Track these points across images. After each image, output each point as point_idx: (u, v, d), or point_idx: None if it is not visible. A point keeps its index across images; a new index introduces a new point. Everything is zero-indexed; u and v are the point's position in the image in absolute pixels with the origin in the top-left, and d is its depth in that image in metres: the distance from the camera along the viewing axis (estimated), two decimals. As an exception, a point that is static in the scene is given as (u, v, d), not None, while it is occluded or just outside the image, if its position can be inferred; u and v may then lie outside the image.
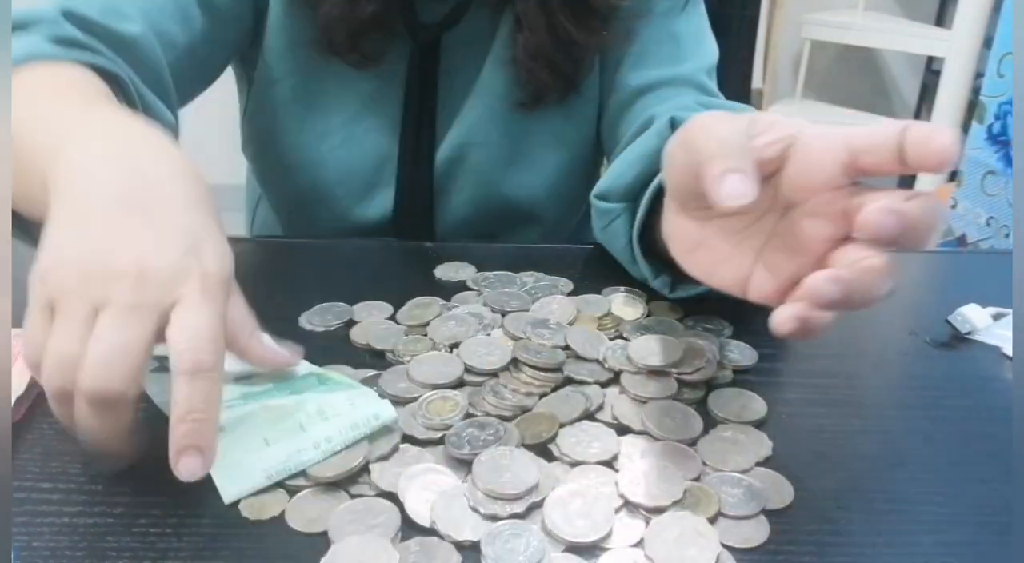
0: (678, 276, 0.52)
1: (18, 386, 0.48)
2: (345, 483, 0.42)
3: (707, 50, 0.76)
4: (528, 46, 0.71)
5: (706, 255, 0.43)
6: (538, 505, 0.40)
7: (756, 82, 2.47)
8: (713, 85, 0.74)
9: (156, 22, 0.64)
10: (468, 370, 0.50)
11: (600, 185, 0.62)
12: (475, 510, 0.40)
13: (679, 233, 0.44)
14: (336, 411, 0.44)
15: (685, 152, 0.39)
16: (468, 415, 0.47)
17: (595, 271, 0.64)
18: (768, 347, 0.55)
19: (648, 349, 0.52)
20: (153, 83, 0.61)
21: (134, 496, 0.41)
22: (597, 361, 0.52)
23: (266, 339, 0.45)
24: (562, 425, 0.45)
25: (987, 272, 0.69)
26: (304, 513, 0.40)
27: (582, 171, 0.81)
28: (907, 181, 2.67)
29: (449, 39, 0.75)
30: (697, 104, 0.66)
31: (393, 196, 0.78)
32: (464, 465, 0.43)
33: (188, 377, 0.36)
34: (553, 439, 0.45)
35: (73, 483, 0.42)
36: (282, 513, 0.40)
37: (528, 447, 0.44)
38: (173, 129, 0.64)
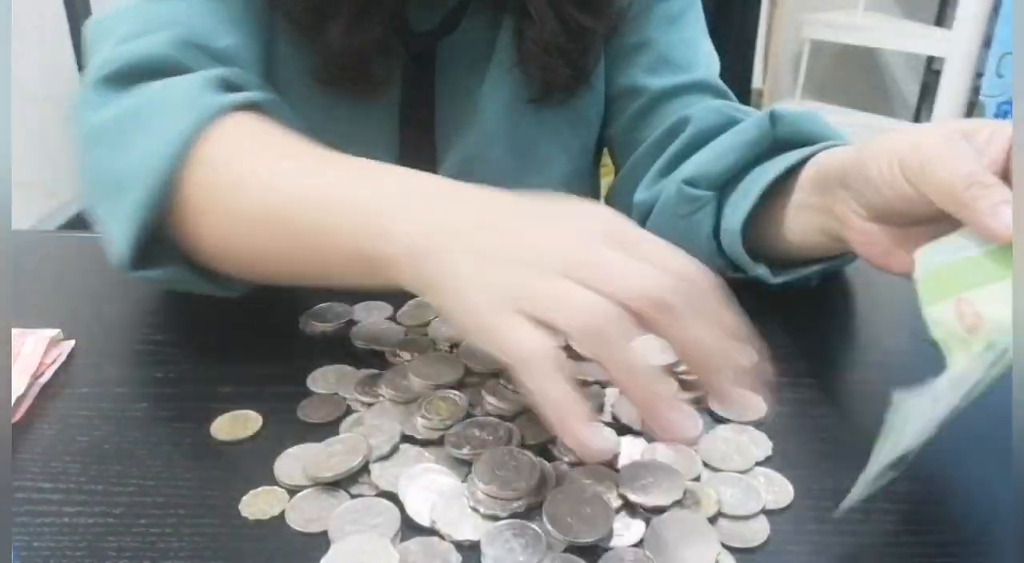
0: (775, 262, 0.58)
1: (18, 386, 0.48)
2: (345, 483, 0.42)
3: (714, 56, 0.79)
4: (539, 40, 0.70)
5: (878, 249, 0.48)
6: (538, 505, 0.40)
7: (756, 82, 2.47)
8: (726, 88, 0.76)
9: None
10: (468, 370, 0.50)
11: (687, 171, 0.62)
12: (475, 510, 0.40)
13: (866, 238, 0.49)
14: None
15: (913, 177, 0.42)
16: (468, 415, 0.47)
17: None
18: (768, 347, 0.55)
19: (648, 349, 0.52)
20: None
21: (134, 496, 0.42)
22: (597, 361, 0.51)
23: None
24: (562, 425, 0.45)
25: (987, 272, 0.69)
26: (304, 513, 0.40)
27: (581, 181, 0.81)
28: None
29: (444, 49, 0.73)
30: (722, 107, 0.68)
31: None
32: (464, 465, 0.43)
33: None
34: (553, 439, 0.45)
35: (73, 483, 0.42)
36: (282, 513, 0.40)
37: (528, 447, 0.44)
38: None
